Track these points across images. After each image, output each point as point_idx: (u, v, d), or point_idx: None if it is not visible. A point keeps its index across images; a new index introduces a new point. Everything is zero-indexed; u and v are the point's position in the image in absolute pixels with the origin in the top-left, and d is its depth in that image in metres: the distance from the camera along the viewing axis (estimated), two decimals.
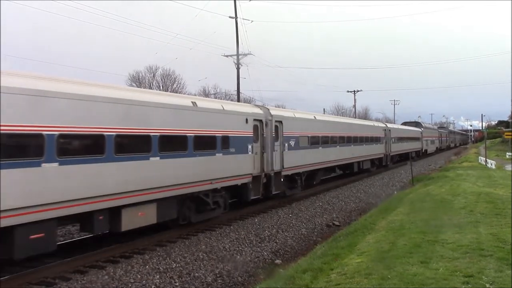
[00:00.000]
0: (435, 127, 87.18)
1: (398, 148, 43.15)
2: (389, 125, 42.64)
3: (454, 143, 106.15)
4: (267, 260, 12.35)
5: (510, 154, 51.36)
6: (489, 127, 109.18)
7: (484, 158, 43.12)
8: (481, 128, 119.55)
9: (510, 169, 34.27)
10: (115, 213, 10.73)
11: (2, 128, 8.16)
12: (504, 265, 7.63)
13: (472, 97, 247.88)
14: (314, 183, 24.36)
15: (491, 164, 38.88)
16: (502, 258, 8.09)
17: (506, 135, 52.02)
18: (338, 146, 26.35)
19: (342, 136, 27.24)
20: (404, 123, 63.27)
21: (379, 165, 37.00)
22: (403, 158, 47.41)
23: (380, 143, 36.14)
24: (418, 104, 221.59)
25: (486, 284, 6.74)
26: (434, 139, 69.07)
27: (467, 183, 23.42)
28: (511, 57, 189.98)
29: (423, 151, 57.56)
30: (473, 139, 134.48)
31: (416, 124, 62.01)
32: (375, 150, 34.78)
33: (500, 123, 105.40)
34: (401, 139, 44.66)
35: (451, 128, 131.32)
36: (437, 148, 71.31)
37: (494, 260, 8.00)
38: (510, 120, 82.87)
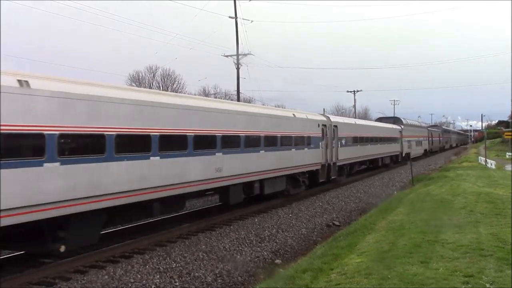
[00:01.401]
0: (424, 124, 70.43)
1: (353, 153, 29.40)
2: (335, 119, 27.41)
3: (449, 144, 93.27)
4: (267, 260, 12.36)
5: (510, 154, 51.33)
6: (489, 127, 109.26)
7: (484, 158, 43.11)
8: (480, 128, 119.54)
9: (510, 169, 34.25)
10: None
11: None
12: (504, 265, 7.64)
13: (472, 97, 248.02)
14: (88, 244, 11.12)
15: (491, 164, 38.88)
16: (502, 258, 8.09)
17: (506, 135, 51.90)
18: (187, 157, 13.28)
19: (202, 134, 14.02)
20: (380, 119, 51.51)
21: (310, 183, 23.07)
22: (372, 166, 36.69)
23: (311, 147, 22.29)
24: (418, 104, 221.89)
25: (486, 284, 6.74)
26: (421, 139, 56.09)
27: (467, 183, 23.43)
28: (511, 57, 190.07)
29: (403, 155, 44.33)
30: (473, 139, 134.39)
31: (394, 120, 48.47)
32: (300, 159, 21.07)
33: (500, 123, 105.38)
34: (360, 140, 31.06)
35: (450, 128, 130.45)
36: (426, 150, 58.94)
37: (494, 260, 8.01)
38: (510, 120, 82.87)
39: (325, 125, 24.54)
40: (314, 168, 22.81)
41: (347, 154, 27.94)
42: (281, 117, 20.25)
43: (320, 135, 23.63)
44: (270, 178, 18.43)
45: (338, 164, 25.99)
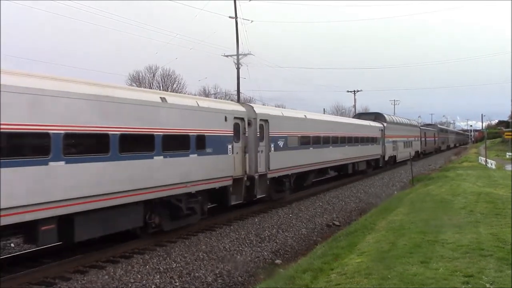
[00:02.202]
0: (415, 122, 59.94)
1: (301, 159, 20.97)
2: (263, 110, 18.98)
3: (446, 144, 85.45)
4: (267, 260, 12.36)
5: (510, 154, 51.35)
6: (489, 127, 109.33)
7: (484, 158, 43.12)
8: (479, 128, 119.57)
9: (510, 169, 34.27)
10: None
11: None
12: (504, 265, 7.64)
13: (472, 97, 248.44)
14: None
15: (491, 164, 38.88)
16: (502, 258, 8.09)
17: (506, 135, 51.94)
18: None
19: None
20: (358, 115, 44.44)
21: (214, 208, 16.33)
22: (340, 174, 29.64)
23: (209, 153, 14.33)
24: (418, 104, 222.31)
25: (486, 284, 6.74)
26: (411, 139, 48.52)
27: (467, 183, 23.43)
28: (511, 57, 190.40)
29: (385, 159, 37.47)
30: (473, 139, 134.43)
31: (376, 116, 40.45)
32: (178, 173, 12.92)
33: (500, 123, 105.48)
34: (315, 142, 22.81)
35: (450, 127, 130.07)
36: (418, 152, 51.83)
37: (494, 260, 8.00)
38: (510, 120, 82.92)
39: (242, 119, 16.27)
40: (217, 185, 14.65)
41: (289, 161, 19.58)
42: (124, 101, 11.23)
43: (231, 133, 15.43)
44: (96, 211, 10.34)
45: (270, 176, 17.90)
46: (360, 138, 30.94)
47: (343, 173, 29.63)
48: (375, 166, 35.70)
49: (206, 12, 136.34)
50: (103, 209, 10.50)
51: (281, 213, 17.93)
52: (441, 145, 76.77)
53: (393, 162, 40.48)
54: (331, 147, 25.25)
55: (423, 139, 56.63)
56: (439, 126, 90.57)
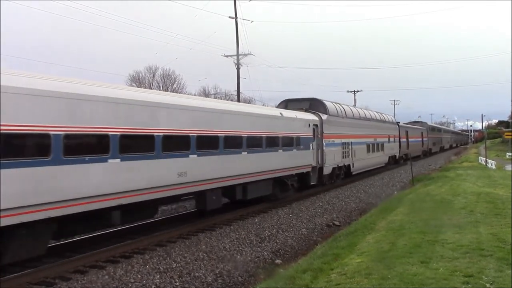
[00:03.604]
0: (389, 117, 42.21)
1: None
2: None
3: (440, 145, 73.23)
4: (267, 260, 12.36)
5: (510, 154, 51.37)
6: (489, 127, 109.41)
7: (484, 158, 43.13)
8: (480, 128, 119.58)
9: (510, 169, 34.28)
10: None
11: None
12: (504, 265, 7.64)
13: (472, 97, 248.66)
14: None
15: (491, 164, 38.89)
16: (502, 258, 8.10)
17: (506, 135, 51.94)
18: None
19: None
20: (286, 102, 25.57)
21: None
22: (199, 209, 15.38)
23: None
24: (418, 104, 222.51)
25: (486, 284, 6.75)
26: (383, 140, 35.88)
27: (467, 183, 23.45)
28: (511, 57, 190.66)
29: (326, 171, 23.74)
30: (473, 139, 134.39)
31: (311, 104, 24.77)
32: None
33: (500, 123, 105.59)
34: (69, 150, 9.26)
35: (450, 128, 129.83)
36: (394, 158, 40.32)
37: (494, 260, 8.01)
38: (510, 120, 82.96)
39: None
40: None
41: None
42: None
43: None
44: None
45: None
46: (253, 138, 17.03)
47: (202, 208, 15.19)
48: (302, 185, 22.09)
49: (206, 12, 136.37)
50: None
51: (281, 213, 17.92)
52: (432, 146, 64.07)
53: (344, 176, 27.34)
54: (143, 160, 11.58)
55: (403, 139, 43.99)
56: (429, 124, 74.79)
